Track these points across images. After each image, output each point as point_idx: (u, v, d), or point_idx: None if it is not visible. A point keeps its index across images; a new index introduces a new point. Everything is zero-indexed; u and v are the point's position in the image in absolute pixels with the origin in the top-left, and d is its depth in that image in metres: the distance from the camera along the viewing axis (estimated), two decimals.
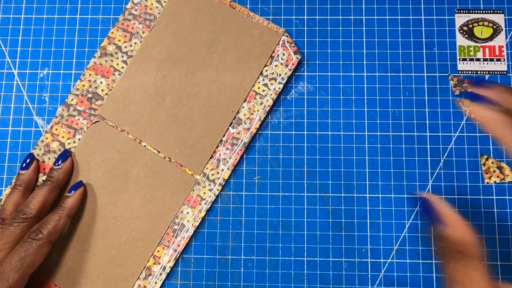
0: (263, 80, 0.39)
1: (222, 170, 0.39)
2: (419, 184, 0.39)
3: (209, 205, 0.38)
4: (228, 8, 0.41)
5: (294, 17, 0.41)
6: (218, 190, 0.38)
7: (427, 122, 0.39)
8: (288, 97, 0.40)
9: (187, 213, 0.38)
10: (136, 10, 0.41)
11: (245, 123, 0.39)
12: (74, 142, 0.39)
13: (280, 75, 0.39)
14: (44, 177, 0.38)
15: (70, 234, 0.38)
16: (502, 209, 0.38)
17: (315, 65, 0.41)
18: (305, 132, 0.40)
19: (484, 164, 0.39)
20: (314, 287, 0.37)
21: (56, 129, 0.40)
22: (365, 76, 0.40)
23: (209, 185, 0.38)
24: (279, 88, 0.39)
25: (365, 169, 0.39)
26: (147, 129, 0.39)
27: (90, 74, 0.40)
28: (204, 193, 0.38)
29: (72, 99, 0.40)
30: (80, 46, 0.42)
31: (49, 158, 0.39)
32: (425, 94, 0.40)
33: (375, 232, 0.38)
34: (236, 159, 0.39)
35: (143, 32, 0.41)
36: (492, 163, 0.39)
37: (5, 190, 0.39)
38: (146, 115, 0.39)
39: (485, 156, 0.39)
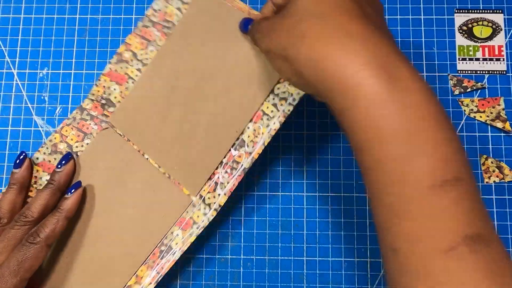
0: (273, 99, 0.36)
1: (219, 195, 0.36)
2: None
3: (201, 230, 0.36)
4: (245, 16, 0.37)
5: None
6: (212, 215, 0.36)
7: None
8: None
9: (177, 235, 0.36)
10: (155, 16, 0.39)
11: (247, 146, 0.36)
12: (82, 146, 0.38)
13: (292, 95, 0.35)
14: (48, 177, 0.38)
15: (59, 240, 0.37)
16: (502, 209, 0.38)
17: None
18: (305, 132, 0.40)
19: (483, 164, 0.39)
20: (313, 287, 0.37)
21: (66, 131, 0.39)
22: None
23: (204, 208, 0.36)
24: (289, 110, 0.35)
25: None
26: (151, 142, 0.38)
27: (105, 80, 0.39)
28: (198, 216, 0.36)
29: (88, 104, 0.39)
30: (79, 46, 0.42)
31: (55, 159, 0.38)
32: None
33: (375, 231, 0.38)
34: (234, 184, 0.36)
35: (160, 40, 0.39)
36: (492, 162, 0.39)
37: (3, 189, 0.39)
38: (151, 127, 0.38)
39: (485, 156, 0.39)
